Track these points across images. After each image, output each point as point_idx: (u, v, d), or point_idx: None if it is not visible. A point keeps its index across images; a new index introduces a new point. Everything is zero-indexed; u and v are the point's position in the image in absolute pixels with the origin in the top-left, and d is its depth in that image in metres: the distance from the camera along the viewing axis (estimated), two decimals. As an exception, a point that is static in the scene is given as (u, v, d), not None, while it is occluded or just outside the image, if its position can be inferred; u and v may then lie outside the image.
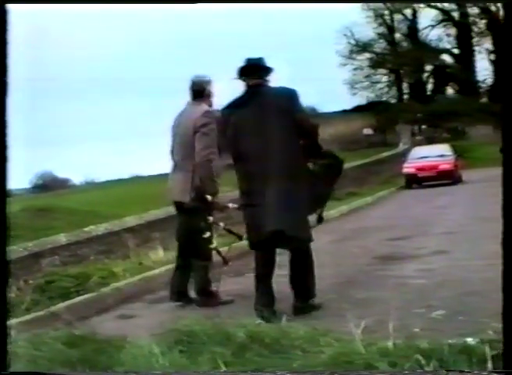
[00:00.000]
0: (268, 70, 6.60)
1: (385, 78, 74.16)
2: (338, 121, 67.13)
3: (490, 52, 70.50)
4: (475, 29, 71.41)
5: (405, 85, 74.35)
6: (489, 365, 3.67)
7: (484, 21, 70.76)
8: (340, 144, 65.47)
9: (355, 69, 72.26)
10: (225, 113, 6.72)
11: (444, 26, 72.36)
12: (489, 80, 70.16)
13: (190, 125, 7.22)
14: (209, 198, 7.17)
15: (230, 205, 7.26)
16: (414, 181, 30.22)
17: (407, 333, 4.60)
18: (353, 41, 72.05)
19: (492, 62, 70.24)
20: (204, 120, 7.16)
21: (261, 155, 6.32)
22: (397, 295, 6.70)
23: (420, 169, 30.16)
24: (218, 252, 7.75)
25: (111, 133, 79.16)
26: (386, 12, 71.93)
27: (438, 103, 65.21)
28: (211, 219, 7.28)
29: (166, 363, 4.22)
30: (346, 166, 30.08)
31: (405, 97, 72.77)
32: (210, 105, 7.45)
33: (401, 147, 50.60)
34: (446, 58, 73.61)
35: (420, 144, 44.36)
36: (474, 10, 70.86)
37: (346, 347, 4.10)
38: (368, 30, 71.54)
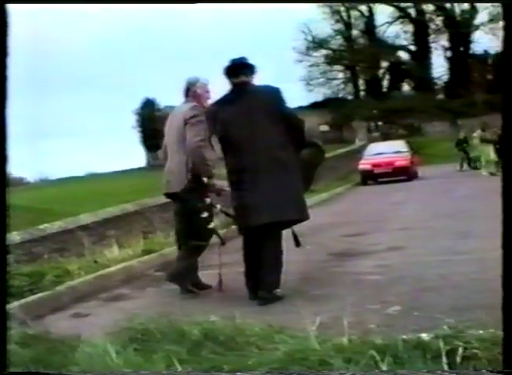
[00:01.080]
0: (252, 69, 7.05)
1: (341, 75, 74.71)
2: (294, 117, 67.34)
3: (446, 49, 71.27)
4: (432, 26, 72.12)
5: (361, 82, 74.96)
6: (444, 360, 3.68)
7: (440, 18, 71.45)
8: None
9: (311, 65, 72.61)
10: (213, 110, 7.20)
11: (401, 23, 73.05)
12: (445, 77, 70.88)
13: (180, 119, 7.64)
14: (205, 180, 7.44)
15: (227, 188, 7.33)
16: (370, 177, 30.39)
17: (362, 329, 4.61)
18: (309, 38, 72.35)
19: (448, 59, 70.95)
20: (192, 112, 7.57)
21: (249, 148, 6.75)
22: (353, 292, 6.71)
23: (376, 165, 30.34)
24: (216, 233, 7.83)
25: (65, 130, 78.65)
26: (343, 8, 72.30)
27: (394, 100, 65.76)
28: (208, 200, 7.53)
29: (121, 362, 4.18)
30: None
31: (361, 93, 73.28)
32: (199, 103, 7.80)
33: (357, 143, 50.96)
34: (403, 54, 74.40)
35: (376, 140, 44.74)
36: (430, 7, 71.55)
37: (301, 344, 4.10)
38: (324, 26, 71.94)
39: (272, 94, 6.94)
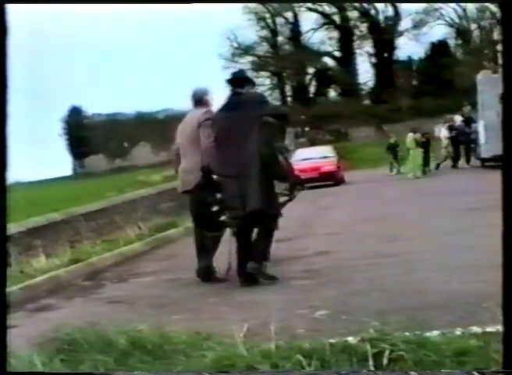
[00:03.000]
0: (249, 82, 8.51)
1: (267, 81, 74.86)
2: (222, 124, 67.43)
3: (371, 55, 72.09)
4: (356, 32, 72.88)
5: (288, 88, 75.19)
6: (370, 362, 3.71)
7: (365, 24, 72.29)
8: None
9: (238, 72, 72.59)
10: (214, 116, 8.42)
11: (326, 29, 73.55)
12: (371, 83, 71.69)
13: (194, 122, 8.55)
14: (215, 177, 8.05)
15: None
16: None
17: (290, 334, 4.63)
18: (235, 44, 72.42)
19: (373, 64, 71.81)
20: (205, 116, 8.49)
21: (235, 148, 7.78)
22: (281, 297, 6.73)
23: (303, 170, 30.41)
24: (227, 225, 8.22)
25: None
26: (268, 15, 72.56)
27: (320, 105, 66.26)
28: (218, 195, 7.99)
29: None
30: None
31: (288, 99, 73.53)
32: (208, 110, 8.76)
33: (284, 148, 51.08)
34: (328, 60, 74.91)
35: (303, 146, 44.97)
36: (354, 14, 72.35)
37: (228, 350, 4.10)
38: (250, 33, 72.07)
39: (257, 99, 8.31)
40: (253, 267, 7.61)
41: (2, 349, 3.64)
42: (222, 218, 8.05)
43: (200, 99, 8.95)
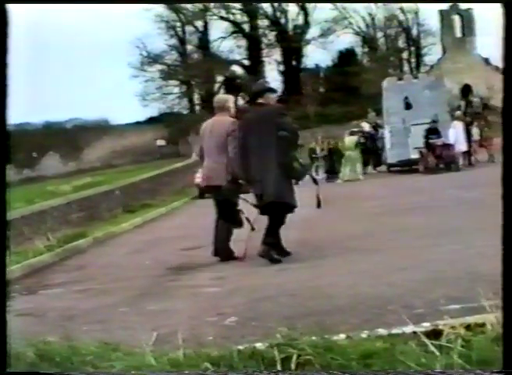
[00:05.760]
0: (270, 91, 9.96)
1: (176, 89, 74.68)
2: (131, 133, 67.06)
3: (279, 63, 72.67)
4: (265, 41, 73.35)
5: (197, 96, 75.15)
6: (279, 368, 3.72)
7: (273, 33, 72.84)
8: (133, 156, 65.48)
9: (147, 80, 72.26)
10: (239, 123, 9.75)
11: (234, 38, 73.82)
12: (279, 90, 72.16)
13: (223, 131, 9.84)
14: (240, 181, 9.54)
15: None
16: (207, 191, 30.34)
17: (199, 342, 4.61)
18: (144, 53, 72.05)
19: (282, 72, 72.39)
20: (233, 127, 9.73)
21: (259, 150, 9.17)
22: (190, 305, 6.72)
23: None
24: (248, 220, 9.76)
25: None
26: (178, 24, 72.47)
27: (229, 114, 66.27)
28: (242, 196, 9.77)
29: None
30: (139, 178, 29.85)
31: (197, 108, 73.51)
32: (231, 116, 10.22)
33: (194, 157, 50.97)
34: (237, 69, 75.10)
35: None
36: (264, 23, 72.82)
37: (136, 360, 4.06)
38: (159, 41, 71.89)
39: (276, 111, 9.58)
40: (264, 250, 8.93)
41: (2, 349, 3.66)
42: (245, 215, 9.75)
43: (222, 106, 10.33)
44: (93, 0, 4.57)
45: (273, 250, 9.02)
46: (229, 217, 9.90)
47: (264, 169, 9.08)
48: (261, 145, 9.17)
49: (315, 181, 10.24)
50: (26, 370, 4.25)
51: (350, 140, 29.91)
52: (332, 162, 30.54)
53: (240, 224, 9.86)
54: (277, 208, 9.16)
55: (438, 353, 3.70)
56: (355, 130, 31.46)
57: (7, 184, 3.67)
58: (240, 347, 4.05)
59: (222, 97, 10.95)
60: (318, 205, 9.84)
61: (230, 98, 10.66)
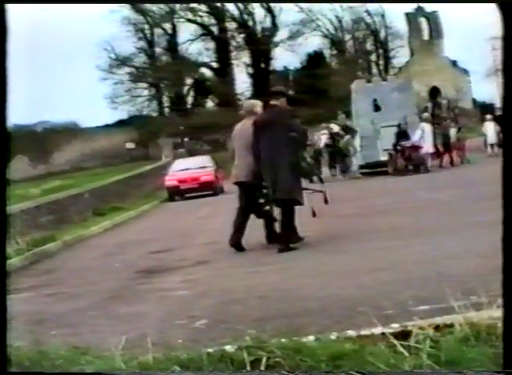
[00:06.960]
0: (282, 94, 10.99)
1: (145, 92, 74.37)
2: (100, 136, 66.72)
3: (248, 66, 72.64)
4: (233, 43, 73.31)
5: (166, 99, 74.94)
6: (248, 368, 3.72)
7: (242, 36, 72.82)
8: (103, 159, 65.18)
9: (115, 83, 71.92)
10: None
11: (203, 40, 73.70)
12: (248, 93, 72.09)
13: (250, 132, 10.48)
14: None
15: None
16: (177, 193, 30.38)
17: (169, 345, 4.59)
18: (113, 55, 71.69)
19: (251, 75, 72.39)
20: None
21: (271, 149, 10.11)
22: (160, 308, 6.70)
23: (182, 181, 30.36)
24: (270, 213, 10.69)
25: None
26: (147, 26, 72.25)
27: (198, 116, 66.23)
28: (264, 191, 10.51)
29: None
30: (109, 181, 29.71)
31: (166, 110, 73.34)
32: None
33: (164, 160, 50.95)
34: (206, 71, 75.01)
35: (182, 156, 44.85)
36: (232, 25, 72.80)
37: (106, 364, 4.04)
38: (127, 44, 71.55)
39: (287, 113, 10.54)
40: (282, 245, 9.70)
41: (2, 349, 3.64)
42: (267, 208, 10.70)
43: (250, 110, 11.17)
44: (93, 0, 4.56)
45: (290, 242, 9.75)
46: (253, 210, 10.79)
47: (277, 167, 9.99)
48: (273, 145, 10.03)
49: (321, 180, 11.43)
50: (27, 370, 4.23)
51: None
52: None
53: (262, 215, 10.78)
54: (288, 204, 10.02)
55: (407, 354, 3.71)
56: (324, 132, 31.41)
57: (7, 181, 3.64)
58: (210, 349, 4.05)
59: (250, 102, 12.28)
60: (325, 201, 10.75)
61: (258, 103, 11.33)
